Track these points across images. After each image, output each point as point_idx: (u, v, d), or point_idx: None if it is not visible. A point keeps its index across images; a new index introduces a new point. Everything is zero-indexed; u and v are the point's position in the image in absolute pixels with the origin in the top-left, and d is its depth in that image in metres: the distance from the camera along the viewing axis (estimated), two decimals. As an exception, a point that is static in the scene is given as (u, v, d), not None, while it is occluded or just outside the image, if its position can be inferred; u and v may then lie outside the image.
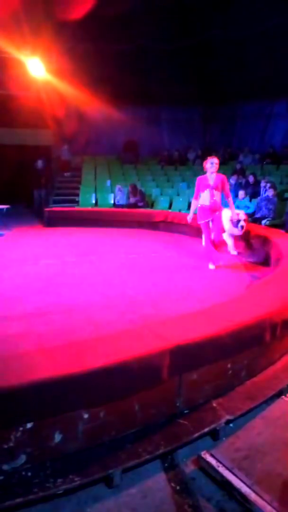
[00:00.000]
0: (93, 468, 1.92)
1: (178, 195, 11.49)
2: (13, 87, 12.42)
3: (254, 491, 1.87)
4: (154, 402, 2.25)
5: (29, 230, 9.09)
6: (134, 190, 10.94)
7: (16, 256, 6.41)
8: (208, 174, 5.46)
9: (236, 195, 9.50)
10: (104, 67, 12.24)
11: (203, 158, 14.23)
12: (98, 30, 11.52)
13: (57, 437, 1.94)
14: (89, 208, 10.85)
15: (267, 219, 8.06)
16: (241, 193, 8.85)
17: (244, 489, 1.89)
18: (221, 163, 13.65)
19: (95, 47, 11.96)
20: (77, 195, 11.93)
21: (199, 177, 5.57)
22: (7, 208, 9.02)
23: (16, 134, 13.77)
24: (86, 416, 1.99)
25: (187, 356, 2.29)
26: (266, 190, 8.71)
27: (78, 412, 1.98)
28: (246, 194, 8.98)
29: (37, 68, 11.42)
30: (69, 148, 14.08)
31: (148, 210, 10.48)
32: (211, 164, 5.43)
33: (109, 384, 2.01)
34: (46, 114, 12.71)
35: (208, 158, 5.59)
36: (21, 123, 13.17)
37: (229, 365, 2.58)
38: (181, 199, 11.15)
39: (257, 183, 9.86)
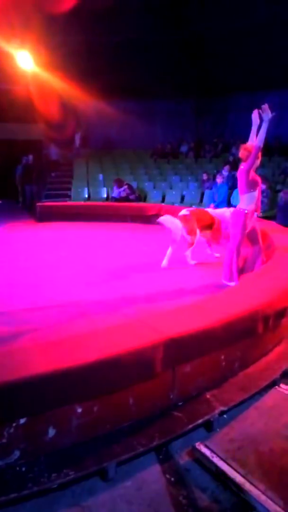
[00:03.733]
0: (88, 462, 1.92)
1: (171, 188, 11.47)
2: (2, 81, 12.27)
3: (248, 481, 1.88)
4: (148, 395, 2.26)
5: (21, 226, 9.03)
6: (120, 183, 10.87)
7: (9, 251, 6.36)
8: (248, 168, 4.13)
9: (230, 186, 9.51)
10: (95, 61, 12.11)
11: (195, 150, 14.26)
12: (88, 23, 11.37)
13: (51, 432, 1.93)
14: (82, 203, 10.79)
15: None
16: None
17: (239, 479, 1.90)
18: (214, 156, 13.65)
19: (85, 40, 11.83)
20: (70, 189, 11.86)
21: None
22: (-1, 204, 8.95)
23: (6, 128, 13.63)
24: (79, 410, 1.99)
25: (181, 349, 2.29)
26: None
27: (71, 407, 1.97)
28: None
29: (26, 61, 11.27)
30: (56, 147, 13.92)
31: (141, 203, 10.45)
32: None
33: (103, 378, 2.01)
34: (36, 108, 12.58)
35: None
36: (10, 117, 13.04)
37: (222, 357, 2.59)
38: (174, 192, 11.13)
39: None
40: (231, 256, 4.30)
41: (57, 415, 1.94)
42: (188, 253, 5.31)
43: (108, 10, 10.90)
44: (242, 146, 4.29)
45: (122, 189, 10.79)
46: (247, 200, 4.19)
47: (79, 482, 1.90)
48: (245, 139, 4.61)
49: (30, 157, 12.06)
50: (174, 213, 5.53)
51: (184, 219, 5.24)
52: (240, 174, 4.21)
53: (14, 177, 12.22)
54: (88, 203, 10.86)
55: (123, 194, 10.80)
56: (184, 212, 5.38)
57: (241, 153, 4.24)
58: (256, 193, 4.21)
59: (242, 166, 4.21)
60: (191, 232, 5.22)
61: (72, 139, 14.14)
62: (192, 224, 5.25)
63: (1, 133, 13.66)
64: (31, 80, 11.96)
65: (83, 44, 11.76)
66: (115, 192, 10.91)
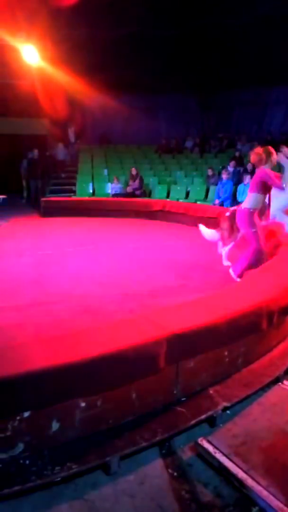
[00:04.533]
0: (91, 456, 1.93)
1: (175, 183, 11.44)
2: (7, 75, 12.26)
3: (250, 477, 1.89)
4: (151, 390, 2.26)
5: (26, 221, 9.05)
6: (136, 175, 10.95)
7: (13, 246, 6.38)
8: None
9: (235, 182, 9.49)
10: (100, 55, 12.06)
11: (200, 146, 14.21)
12: (93, 17, 11.31)
13: (55, 426, 1.94)
14: (86, 198, 10.80)
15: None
16: (247, 178, 8.84)
17: (241, 474, 1.90)
18: (219, 151, 13.59)
19: (90, 35, 11.77)
20: (74, 184, 11.86)
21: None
22: (3, 199, 8.97)
23: (11, 123, 13.63)
24: (83, 404, 2.00)
25: (184, 344, 2.29)
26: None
27: (75, 401, 1.98)
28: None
29: (31, 55, 11.24)
30: (64, 147, 13.81)
31: (146, 199, 10.44)
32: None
33: (106, 373, 2.01)
34: (41, 103, 12.57)
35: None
36: (15, 112, 13.04)
37: (226, 353, 2.59)
38: (178, 188, 11.10)
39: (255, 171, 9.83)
40: (250, 255, 4.24)
41: (61, 409, 1.95)
42: (224, 251, 5.12)
43: (113, 4, 10.83)
44: (253, 151, 4.21)
45: (118, 185, 10.93)
46: (253, 200, 4.17)
47: (82, 475, 1.92)
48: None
49: (36, 152, 12.06)
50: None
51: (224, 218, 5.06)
52: (259, 174, 4.12)
53: (19, 172, 12.23)
54: (93, 198, 10.86)
55: (130, 190, 10.83)
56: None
57: (252, 158, 4.20)
58: (264, 197, 4.21)
59: (262, 168, 4.11)
60: (227, 229, 4.97)
61: (66, 134, 14.03)
62: (229, 223, 4.94)
63: (6, 127, 13.67)
64: (36, 75, 11.94)
65: (88, 38, 11.70)
66: (112, 188, 11.05)
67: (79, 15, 10.87)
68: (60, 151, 13.79)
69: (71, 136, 14.05)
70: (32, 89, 12.25)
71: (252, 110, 14.30)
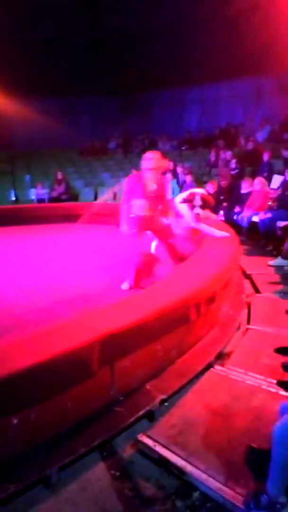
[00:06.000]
0: (29, 472, 1.86)
1: (102, 185, 11.41)
2: None
3: (189, 463, 1.95)
4: (87, 395, 2.23)
5: None
6: (62, 179, 10.76)
7: None
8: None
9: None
10: (15, 58, 11.63)
11: (124, 147, 14.34)
12: (7, 20, 10.88)
13: (-14, 448, 1.84)
14: (7, 206, 10.32)
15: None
16: (168, 176, 9.06)
17: (180, 462, 1.96)
18: (142, 150, 13.78)
19: (4, 37, 11.30)
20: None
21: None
22: None
23: None
24: (15, 421, 1.91)
25: (116, 344, 2.29)
26: (183, 176, 9.01)
27: (6, 419, 1.89)
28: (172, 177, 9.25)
29: None
30: None
31: (72, 203, 10.29)
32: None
33: (36, 385, 1.95)
34: None
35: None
36: None
37: (159, 347, 2.64)
38: (105, 189, 11.08)
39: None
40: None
41: (-8, 429, 1.85)
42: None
43: (28, 7, 10.52)
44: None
45: (43, 190, 10.70)
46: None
47: (22, 494, 1.84)
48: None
49: None
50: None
51: None
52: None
53: None
54: (15, 206, 10.42)
55: (55, 195, 10.61)
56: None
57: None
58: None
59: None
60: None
61: None
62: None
63: None
64: None
65: (2, 41, 11.21)
66: (36, 194, 10.79)
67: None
68: None
69: None
70: None
71: (170, 110, 14.79)
